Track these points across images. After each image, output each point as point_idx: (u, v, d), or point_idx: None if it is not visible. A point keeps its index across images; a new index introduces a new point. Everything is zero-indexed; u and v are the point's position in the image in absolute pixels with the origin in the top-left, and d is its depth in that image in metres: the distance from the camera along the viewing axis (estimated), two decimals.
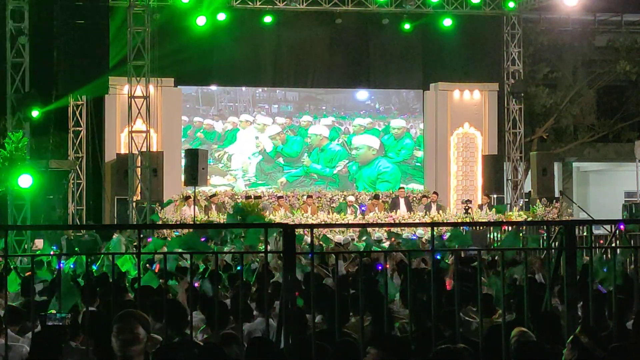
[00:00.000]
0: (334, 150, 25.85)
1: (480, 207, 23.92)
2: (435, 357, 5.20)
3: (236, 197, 24.13)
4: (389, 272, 11.87)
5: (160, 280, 9.42)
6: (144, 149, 21.15)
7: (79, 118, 24.19)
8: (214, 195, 23.44)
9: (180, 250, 11.07)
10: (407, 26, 25.27)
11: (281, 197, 24.06)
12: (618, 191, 29.55)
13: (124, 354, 4.94)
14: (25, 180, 19.06)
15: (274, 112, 25.56)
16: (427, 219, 22.45)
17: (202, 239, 11.83)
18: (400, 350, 5.18)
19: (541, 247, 14.03)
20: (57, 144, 23.27)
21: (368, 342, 5.29)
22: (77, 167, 24.05)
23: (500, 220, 22.52)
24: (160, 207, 21.38)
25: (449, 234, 14.55)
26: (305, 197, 24.16)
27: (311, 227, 6.49)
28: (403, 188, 25.02)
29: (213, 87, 25.32)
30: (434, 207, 23.66)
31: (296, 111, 25.69)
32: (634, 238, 17.01)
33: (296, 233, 6.23)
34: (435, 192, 24.55)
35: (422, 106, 26.22)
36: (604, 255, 11.24)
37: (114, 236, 14.28)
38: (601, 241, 16.79)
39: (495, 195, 24.66)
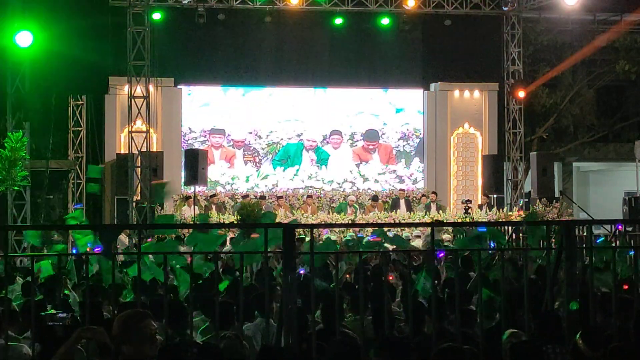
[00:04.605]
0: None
1: (480, 207, 23.95)
2: (437, 356, 5.20)
3: (236, 197, 24.16)
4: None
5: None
6: (144, 149, 21.14)
7: (79, 118, 24.20)
8: (214, 195, 23.47)
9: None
10: (407, 26, 25.29)
11: (281, 197, 24.09)
12: (618, 191, 29.52)
13: (152, 353, 4.90)
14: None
15: (273, 110, 25.54)
16: (427, 219, 22.47)
17: None
18: (398, 351, 5.19)
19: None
20: (57, 144, 23.27)
21: (369, 345, 5.29)
22: (77, 167, 24.04)
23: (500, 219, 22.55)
24: (160, 208, 21.38)
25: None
26: (305, 197, 24.19)
27: (311, 227, 6.50)
28: (403, 190, 25.07)
29: (213, 87, 25.29)
30: (433, 207, 23.70)
31: (296, 110, 25.67)
32: (633, 238, 16.99)
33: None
34: (434, 192, 24.58)
35: (422, 106, 26.22)
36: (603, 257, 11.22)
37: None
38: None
39: (495, 195, 24.66)
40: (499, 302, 6.86)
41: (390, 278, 10.95)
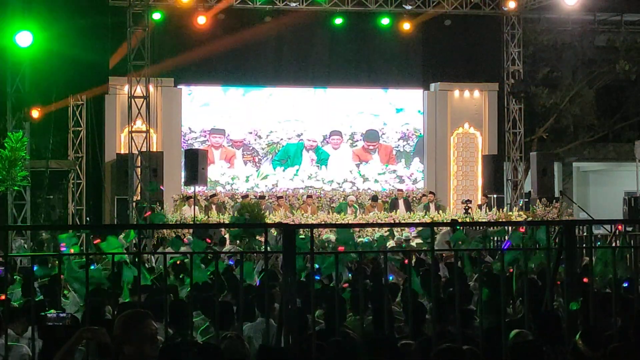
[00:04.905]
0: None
1: (480, 207, 23.95)
2: (437, 356, 5.20)
3: (236, 197, 24.17)
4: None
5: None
6: (144, 149, 21.15)
7: (79, 118, 24.17)
8: (214, 195, 23.47)
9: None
10: (407, 26, 25.28)
11: (281, 197, 24.09)
12: (618, 191, 29.56)
13: (153, 353, 4.90)
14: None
15: (273, 110, 25.53)
16: (427, 219, 22.48)
17: None
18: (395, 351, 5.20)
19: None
20: (57, 144, 23.26)
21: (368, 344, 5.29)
22: (77, 167, 24.04)
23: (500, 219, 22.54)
24: (160, 208, 21.37)
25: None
26: (305, 197, 24.20)
27: (311, 227, 6.50)
28: (402, 190, 25.08)
29: (213, 87, 25.29)
30: (432, 207, 23.71)
31: (296, 110, 25.66)
32: (633, 238, 16.96)
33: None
34: (431, 192, 24.59)
35: (422, 106, 26.22)
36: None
37: None
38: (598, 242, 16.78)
39: (495, 195, 24.65)
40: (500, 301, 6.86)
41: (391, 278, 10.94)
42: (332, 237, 20.49)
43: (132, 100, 21.17)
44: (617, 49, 29.90)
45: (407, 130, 26.26)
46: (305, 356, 5.99)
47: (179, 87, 24.77)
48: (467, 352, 5.25)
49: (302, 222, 19.72)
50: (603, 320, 6.70)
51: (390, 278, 11.00)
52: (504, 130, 26.23)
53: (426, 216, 22.85)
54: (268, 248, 6.61)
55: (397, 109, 26.22)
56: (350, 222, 21.81)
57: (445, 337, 6.19)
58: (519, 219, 22.46)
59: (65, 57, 20.72)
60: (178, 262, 11.31)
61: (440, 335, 6.19)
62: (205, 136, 25.18)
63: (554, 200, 23.75)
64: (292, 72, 25.56)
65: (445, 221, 22.57)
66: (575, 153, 32.14)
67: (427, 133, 26.14)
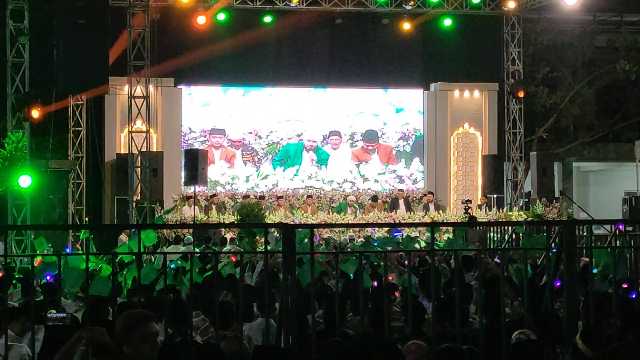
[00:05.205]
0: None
1: (480, 207, 23.97)
2: (437, 356, 5.20)
3: (236, 197, 24.17)
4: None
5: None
6: (144, 149, 21.15)
7: (79, 118, 24.18)
8: (214, 195, 23.47)
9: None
10: (407, 26, 25.27)
11: (281, 197, 24.09)
12: (618, 191, 29.57)
13: (152, 354, 4.91)
14: (25, 181, 19.07)
15: (273, 110, 25.53)
16: (427, 219, 22.49)
17: None
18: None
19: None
20: (57, 144, 23.25)
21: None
22: (77, 167, 24.04)
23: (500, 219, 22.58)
24: (160, 208, 21.38)
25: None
26: (305, 197, 24.19)
27: (311, 227, 6.50)
28: (402, 190, 25.08)
29: (213, 87, 25.30)
30: (432, 207, 23.71)
31: (296, 110, 25.66)
32: (633, 238, 16.98)
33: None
34: (430, 192, 24.59)
35: (422, 106, 26.21)
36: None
37: None
38: (598, 242, 16.79)
39: (495, 195, 24.66)
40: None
41: (390, 278, 10.95)
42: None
43: (132, 100, 21.17)
44: (617, 49, 29.90)
45: (407, 130, 26.25)
46: (305, 356, 5.99)
47: (179, 87, 24.77)
48: (467, 352, 5.25)
49: (302, 222, 19.73)
50: (603, 321, 6.70)
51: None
52: (504, 130, 26.22)
53: (426, 216, 22.86)
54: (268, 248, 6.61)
55: (397, 109, 26.21)
56: (350, 222, 21.84)
57: (444, 337, 6.20)
58: (519, 219, 22.49)
59: (66, 57, 20.71)
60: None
61: (440, 335, 6.19)
62: (205, 136, 25.18)
63: (554, 200, 23.77)
64: (292, 72, 25.56)
65: (445, 221, 22.62)
66: (575, 153, 32.14)
67: (427, 133, 26.13)
